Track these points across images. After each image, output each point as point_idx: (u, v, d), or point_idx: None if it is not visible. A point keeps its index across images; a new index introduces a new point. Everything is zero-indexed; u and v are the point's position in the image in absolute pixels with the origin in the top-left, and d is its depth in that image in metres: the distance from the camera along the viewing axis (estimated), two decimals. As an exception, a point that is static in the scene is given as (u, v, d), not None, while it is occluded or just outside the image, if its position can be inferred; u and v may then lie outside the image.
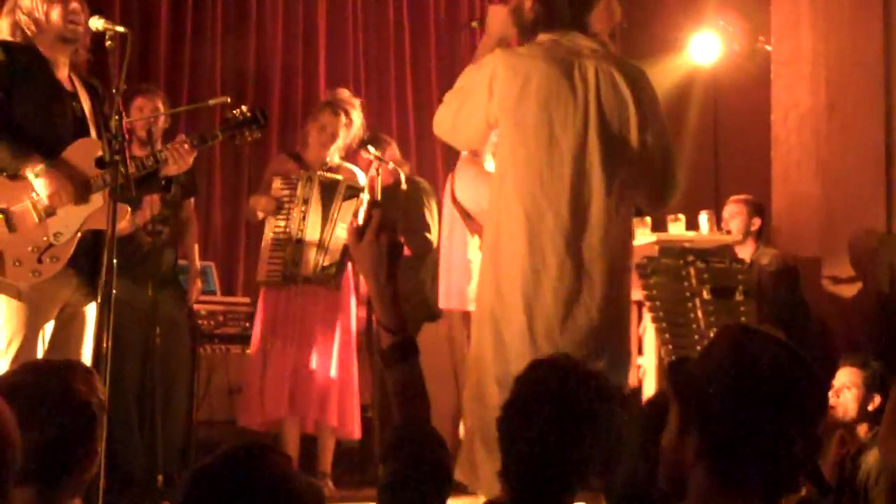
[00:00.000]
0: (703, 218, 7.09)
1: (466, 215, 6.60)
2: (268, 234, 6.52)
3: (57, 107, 4.77)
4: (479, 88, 4.10)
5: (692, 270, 6.12)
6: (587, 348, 3.99)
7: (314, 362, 6.42)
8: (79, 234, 4.67)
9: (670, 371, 2.40)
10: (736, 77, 8.74)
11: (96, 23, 4.66)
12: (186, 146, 4.93)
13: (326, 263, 6.45)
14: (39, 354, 4.65)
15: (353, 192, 6.50)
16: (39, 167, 4.58)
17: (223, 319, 7.51)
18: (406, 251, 6.99)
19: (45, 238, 4.63)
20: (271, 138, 8.98)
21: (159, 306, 6.02)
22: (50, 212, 4.63)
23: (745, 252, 7.39)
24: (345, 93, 6.88)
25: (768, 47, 8.38)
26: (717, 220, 7.37)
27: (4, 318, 4.61)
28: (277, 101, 9.18)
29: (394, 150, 7.41)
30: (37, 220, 4.63)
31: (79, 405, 2.82)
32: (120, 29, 4.62)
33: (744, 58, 8.65)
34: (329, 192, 6.49)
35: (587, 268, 4.01)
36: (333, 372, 6.46)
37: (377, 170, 6.90)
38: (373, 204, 6.45)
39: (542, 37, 4.15)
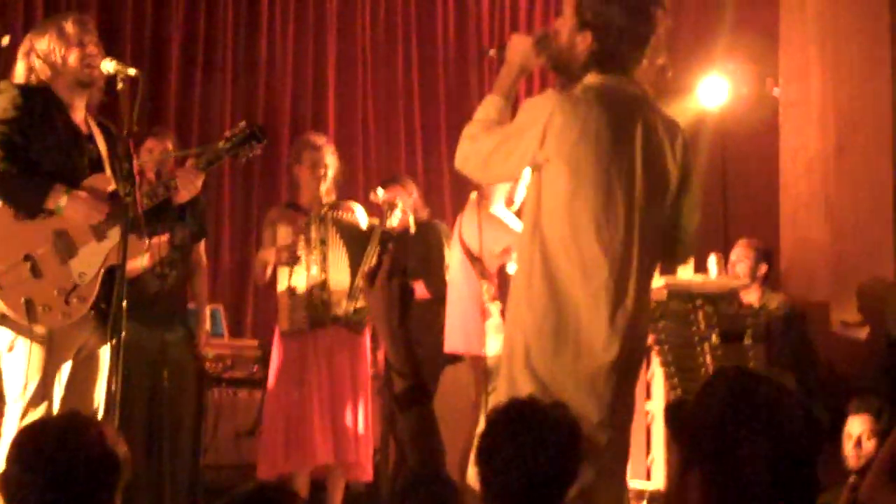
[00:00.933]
0: (712, 261, 7.06)
1: (474, 258, 6.59)
2: (283, 282, 6.46)
3: (74, 149, 4.78)
4: (529, 130, 3.95)
5: (701, 314, 6.11)
6: (616, 395, 3.94)
7: (347, 407, 6.38)
8: (102, 272, 4.67)
9: (668, 414, 2.44)
10: (744, 120, 8.74)
11: (108, 65, 4.67)
12: (194, 170, 4.95)
13: (358, 307, 6.43)
14: (56, 397, 4.66)
15: (388, 237, 6.48)
16: (63, 199, 4.59)
17: (231, 363, 7.46)
18: (426, 294, 7.00)
19: (70, 279, 4.64)
20: (280, 181, 8.99)
21: (167, 349, 6.02)
22: (72, 252, 4.65)
23: (751, 297, 7.37)
24: (313, 133, 6.99)
25: (776, 91, 8.39)
26: (726, 264, 7.35)
27: (22, 361, 4.60)
28: (287, 144, 9.19)
29: (413, 191, 7.37)
30: (60, 262, 4.64)
31: (105, 454, 2.81)
32: (132, 72, 4.62)
33: (752, 101, 8.65)
34: (357, 235, 6.49)
35: (631, 321, 3.95)
36: (361, 415, 6.42)
37: (388, 212, 6.91)
38: (383, 249, 6.43)
39: (592, 79, 4.01)
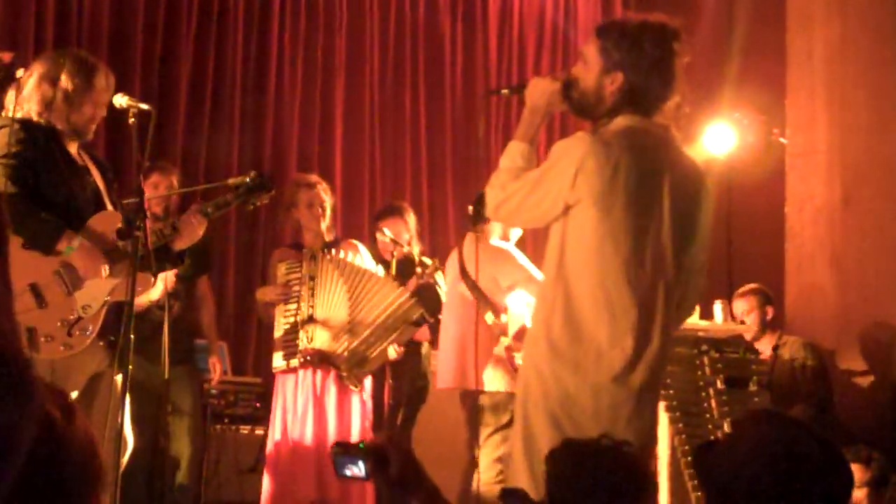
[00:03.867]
0: (718, 307, 7.06)
1: (479, 293, 6.45)
2: (279, 319, 6.45)
3: (76, 182, 4.78)
4: (561, 173, 3.91)
5: (706, 360, 6.07)
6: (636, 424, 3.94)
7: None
8: (105, 306, 4.66)
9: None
10: (750, 168, 8.75)
11: (120, 100, 4.68)
12: (198, 215, 4.91)
13: (358, 368, 6.39)
14: None
15: (422, 321, 6.50)
16: (76, 241, 4.59)
17: (234, 399, 7.45)
18: (427, 336, 6.98)
19: (73, 312, 4.63)
20: (285, 225, 8.98)
21: (171, 384, 6.00)
22: (77, 285, 4.63)
23: (765, 344, 7.35)
24: (304, 173, 7.11)
25: (783, 140, 8.40)
26: (731, 310, 7.33)
27: None
28: (293, 184, 9.21)
29: (410, 221, 7.33)
30: (65, 293, 4.62)
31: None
32: (144, 106, 4.63)
33: (759, 150, 8.66)
34: (358, 274, 6.45)
35: (656, 359, 3.94)
36: None
37: (392, 253, 6.89)
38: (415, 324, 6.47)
39: (622, 121, 3.97)
